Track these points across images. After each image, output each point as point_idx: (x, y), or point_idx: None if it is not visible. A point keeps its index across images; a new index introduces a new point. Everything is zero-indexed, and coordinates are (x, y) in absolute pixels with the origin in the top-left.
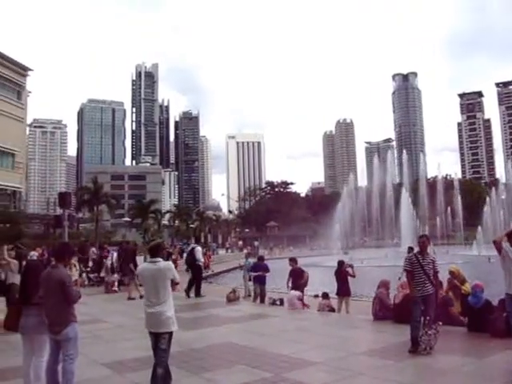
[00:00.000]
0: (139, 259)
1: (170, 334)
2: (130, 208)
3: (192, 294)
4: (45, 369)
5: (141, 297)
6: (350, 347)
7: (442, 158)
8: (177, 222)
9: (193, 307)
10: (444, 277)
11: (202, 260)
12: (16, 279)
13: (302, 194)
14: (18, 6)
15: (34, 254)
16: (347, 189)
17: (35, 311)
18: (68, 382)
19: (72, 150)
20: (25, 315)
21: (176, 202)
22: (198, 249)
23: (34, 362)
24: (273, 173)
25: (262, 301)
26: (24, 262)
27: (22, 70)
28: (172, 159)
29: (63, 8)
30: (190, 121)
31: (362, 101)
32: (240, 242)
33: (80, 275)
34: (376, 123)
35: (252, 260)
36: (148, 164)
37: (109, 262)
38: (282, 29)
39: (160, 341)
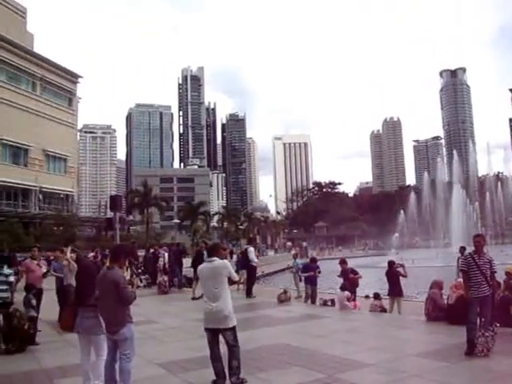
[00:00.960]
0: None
1: (232, 329)
2: (180, 210)
3: (243, 295)
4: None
5: (193, 298)
6: (403, 348)
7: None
8: (225, 223)
9: (244, 308)
10: (500, 277)
11: (256, 260)
12: (73, 281)
13: (350, 194)
14: (68, 14)
15: (91, 256)
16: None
17: (90, 313)
18: (125, 381)
19: (121, 153)
20: (80, 316)
21: (224, 204)
22: (251, 249)
23: (95, 360)
24: (320, 173)
25: (313, 301)
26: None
27: (73, 78)
28: (219, 161)
29: (111, 15)
30: (236, 123)
31: (408, 99)
32: (288, 243)
33: (131, 276)
34: (424, 121)
35: (300, 261)
36: (196, 166)
37: (161, 263)
38: (329, 28)
39: (225, 337)
